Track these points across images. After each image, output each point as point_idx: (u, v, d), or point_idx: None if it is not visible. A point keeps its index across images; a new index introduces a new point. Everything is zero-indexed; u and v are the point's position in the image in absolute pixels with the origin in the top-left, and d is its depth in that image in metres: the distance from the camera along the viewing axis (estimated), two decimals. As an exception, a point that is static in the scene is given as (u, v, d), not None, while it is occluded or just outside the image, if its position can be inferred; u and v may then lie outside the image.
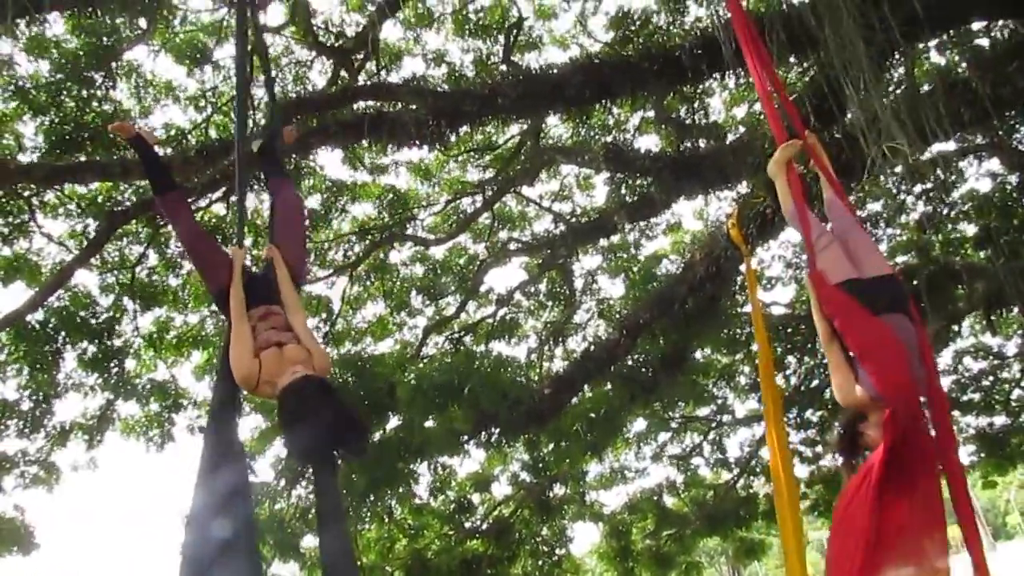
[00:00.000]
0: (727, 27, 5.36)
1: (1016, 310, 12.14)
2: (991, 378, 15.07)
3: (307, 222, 4.06)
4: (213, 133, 10.34)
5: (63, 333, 9.64)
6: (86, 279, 10.59)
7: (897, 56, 6.56)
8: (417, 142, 7.91)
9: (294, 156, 8.90)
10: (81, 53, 9.00)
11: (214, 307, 11.22)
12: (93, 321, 9.87)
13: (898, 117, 4.74)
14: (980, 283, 10.06)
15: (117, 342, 10.18)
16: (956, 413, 15.21)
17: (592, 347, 9.62)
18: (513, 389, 8.38)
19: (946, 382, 14.80)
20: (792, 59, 7.95)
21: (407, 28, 11.17)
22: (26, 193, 9.30)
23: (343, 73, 10.08)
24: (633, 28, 10.11)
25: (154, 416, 10.72)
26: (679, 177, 8.32)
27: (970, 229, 11.24)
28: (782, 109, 4.54)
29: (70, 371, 10.02)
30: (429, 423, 8.40)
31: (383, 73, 10.73)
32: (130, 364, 10.61)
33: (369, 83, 9.72)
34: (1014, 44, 6.02)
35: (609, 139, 10.69)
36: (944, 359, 14.30)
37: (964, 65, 6.55)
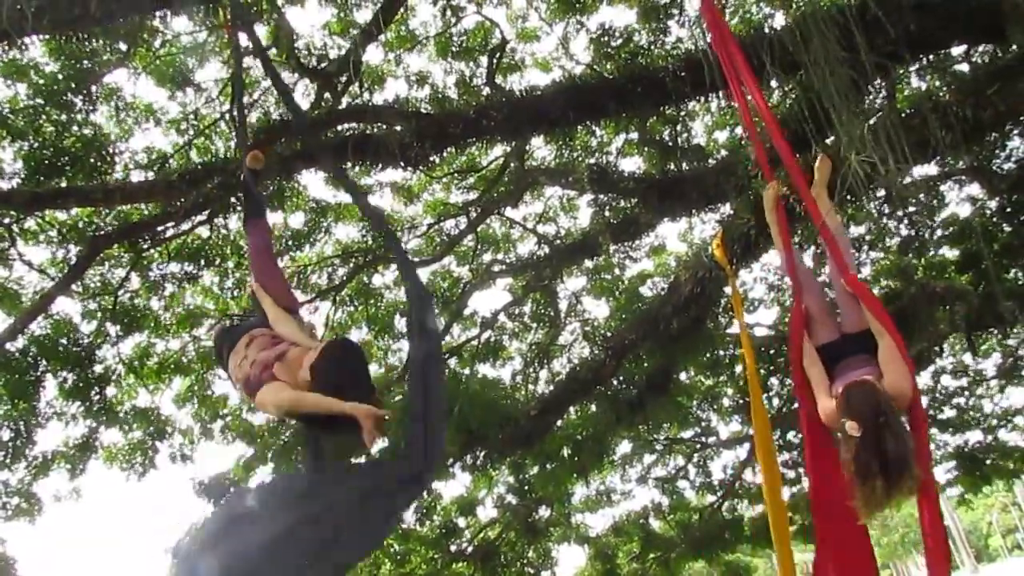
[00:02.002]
0: (711, 48, 5.40)
1: (996, 331, 12.27)
2: (967, 395, 15.20)
3: (277, 259, 4.02)
4: (195, 156, 10.29)
5: (44, 361, 9.51)
6: (67, 306, 10.48)
7: (878, 81, 6.63)
8: (402, 164, 7.89)
9: (277, 178, 8.84)
10: (60, 77, 8.94)
11: (196, 332, 11.18)
12: (75, 348, 9.73)
13: (880, 139, 4.77)
14: (961, 305, 10.13)
15: (98, 369, 10.04)
16: (934, 431, 15.33)
17: (578, 368, 9.59)
18: (503, 411, 8.32)
19: (924, 401, 14.92)
20: (773, 83, 8.04)
21: (389, 50, 11.20)
22: (6, 220, 9.18)
23: (326, 95, 10.08)
24: (614, 46, 10.17)
25: (137, 443, 10.57)
26: (663, 199, 8.34)
27: (952, 253, 11.33)
28: (765, 130, 4.57)
29: (51, 399, 9.88)
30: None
31: (366, 95, 10.73)
32: (111, 391, 10.47)
33: (353, 105, 9.71)
34: (995, 68, 6.09)
35: (593, 161, 10.71)
36: (923, 379, 14.42)
37: (944, 89, 6.62)
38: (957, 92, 5.80)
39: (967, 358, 14.58)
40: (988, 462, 15.58)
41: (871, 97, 7.68)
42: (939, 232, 11.47)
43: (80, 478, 10.34)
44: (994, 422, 15.38)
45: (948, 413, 15.18)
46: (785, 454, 13.68)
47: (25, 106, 9.01)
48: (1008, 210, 10.06)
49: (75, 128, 9.20)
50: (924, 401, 14.70)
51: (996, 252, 10.06)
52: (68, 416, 9.90)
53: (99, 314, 10.24)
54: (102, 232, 9.38)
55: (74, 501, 10.70)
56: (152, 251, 10.15)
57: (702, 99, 7.93)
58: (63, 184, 8.80)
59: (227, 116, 10.15)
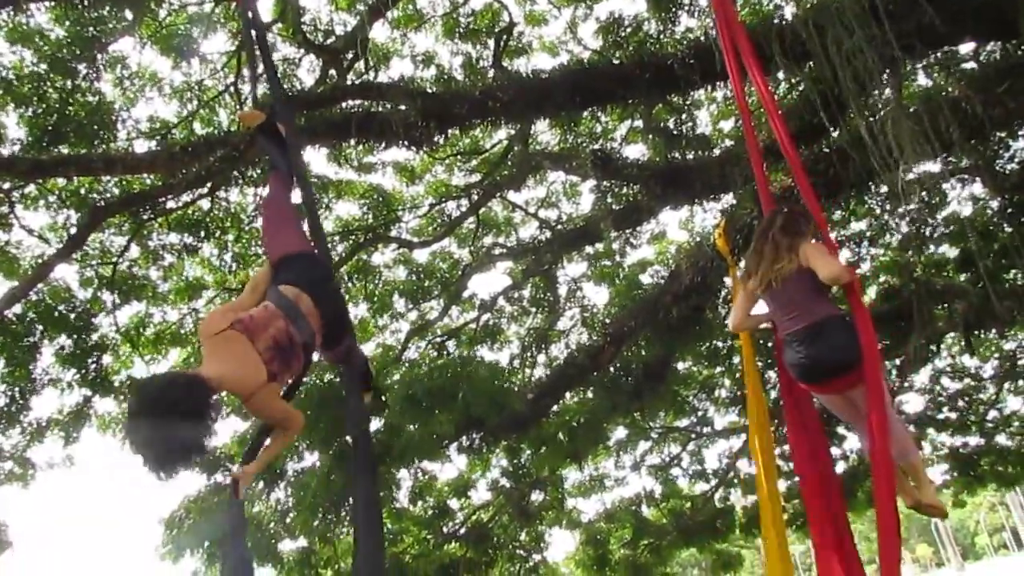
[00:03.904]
0: (718, 36, 5.37)
1: (995, 332, 12.29)
2: (966, 398, 15.22)
3: (266, 210, 3.94)
4: (198, 127, 10.25)
5: (40, 327, 9.49)
6: (65, 272, 10.45)
7: (886, 76, 6.60)
8: (405, 143, 7.85)
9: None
10: (65, 43, 8.89)
11: (193, 304, 11.18)
12: (72, 315, 9.72)
13: (893, 132, 4.76)
14: (961, 304, 10.12)
15: (95, 337, 10.03)
16: (931, 431, 15.39)
17: (576, 354, 9.58)
18: (503, 395, 8.32)
19: (922, 401, 15.00)
20: (780, 74, 8.00)
21: (396, 28, 11.14)
22: (6, 186, 9.14)
23: (332, 72, 10.03)
24: (623, 34, 10.11)
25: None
26: (666, 187, 8.30)
27: (952, 251, 11.32)
28: (769, 122, 4.57)
29: (47, 366, 9.84)
30: (412, 427, 8.34)
31: (371, 73, 10.68)
32: (107, 360, 10.45)
33: (359, 82, 9.66)
34: (1005, 65, 6.06)
35: (597, 147, 10.68)
36: (921, 378, 14.47)
37: (954, 85, 6.58)
38: (967, 88, 5.77)
39: (966, 360, 14.62)
40: (984, 465, 15.66)
41: (877, 93, 7.64)
42: (940, 230, 11.46)
43: (74, 445, 10.35)
44: (991, 426, 15.40)
45: (946, 415, 15.20)
46: (780, 447, 13.70)
47: (30, 72, 8.95)
48: (1010, 210, 10.04)
49: (79, 95, 9.16)
50: (922, 402, 14.83)
51: (996, 252, 10.04)
52: (64, 384, 9.87)
53: (97, 282, 10.23)
54: (103, 201, 9.35)
55: (67, 468, 10.69)
56: (153, 221, 10.12)
57: (710, 88, 7.90)
58: (65, 152, 8.77)
59: (231, 89, 10.11)
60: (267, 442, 3.31)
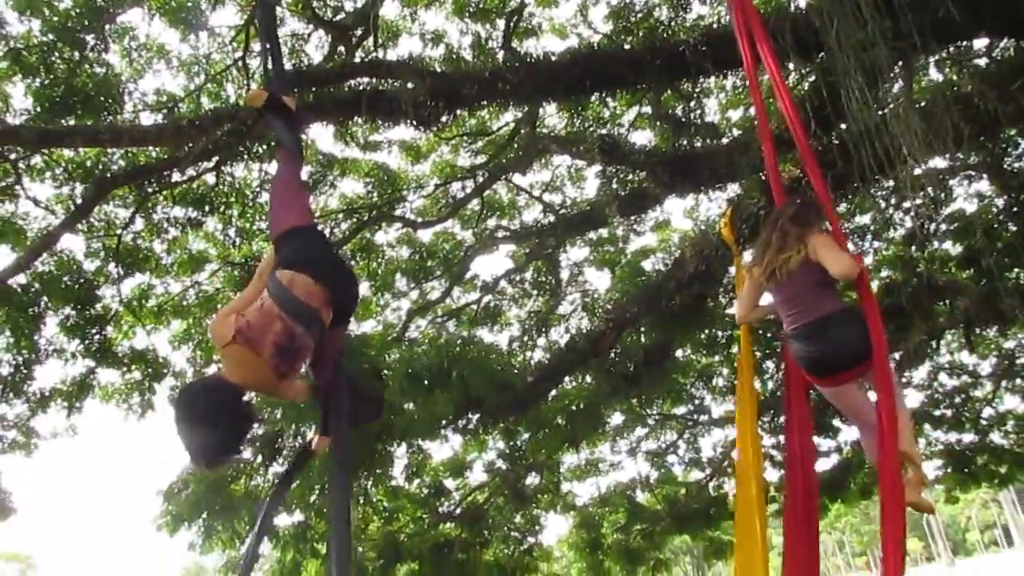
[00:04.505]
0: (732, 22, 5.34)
1: (995, 330, 12.31)
2: (963, 396, 15.28)
3: (272, 187, 3.92)
4: (206, 101, 10.22)
5: (45, 297, 9.51)
6: (71, 243, 10.48)
7: (898, 68, 6.57)
8: (413, 122, 7.82)
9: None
10: (74, 13, 8.84)
11: (196, 276, 11.20)
12: (76, 286, 9.73)
13: (902, 126, 4.75)
14: (962, 300, 10.14)
15: (98, 308, 10.05)
16: (926, 427, 15.45)
17: (576, 338, 9.60)
18: (502, 376, 8.34)
19: (920, 397, 15.05)
20: (791, 65, 7.96)
21: (405, 6, 11.09)
22: (12, 156, 9.13)
23: (340, 48, 10.00)
24: (634, 19, 10.08)
25: (135, 384, 10.61)
26: (673, 174, 8.27)
27: (956, 248, 11.32)
28: (781, 110, 4.55)
29: (51, 336, 9.89)
30: (410, 406, 8.38)
31: (380, 51, 10.64)
32: (110, 331, 10.48)
33: (368, 59, 9.63)
34: (1019, 63, 6.03)
35: (604, 132, 10.66)
36: (919, 374, 14.52)
37: (967, 80, 6.56)
38: (980, 84, 5.75)
39: (964, 357, 14.68)
40: (979, 463, 15.74)
41: (888, 86, 7.62)
42: (943, 227, 11.45)
43: (77, 416, 10.41)
44: (985, 423, 15.47)
45: (942, 411, 15.27)
46: (774, 437, 13.76)
47: (38, 42, 8.91)
48: (1015, 209, 10.04)
49: (87, 66, 9.13)
50: (921, 397, 14.87)
51: (999, 250, 10.05)
52: (67, 354, 9.91)
53: (102, 253, 10.24)
54: (109, 173, 9.34)
55: (70, 438, 10.77)
56: (158, 194, 10.12)
57: (721, 75, 7.86)
58: (72, 123, 8.74)
59: (239, 63, 10.07)
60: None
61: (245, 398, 3.00)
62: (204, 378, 3.69)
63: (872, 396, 3.89)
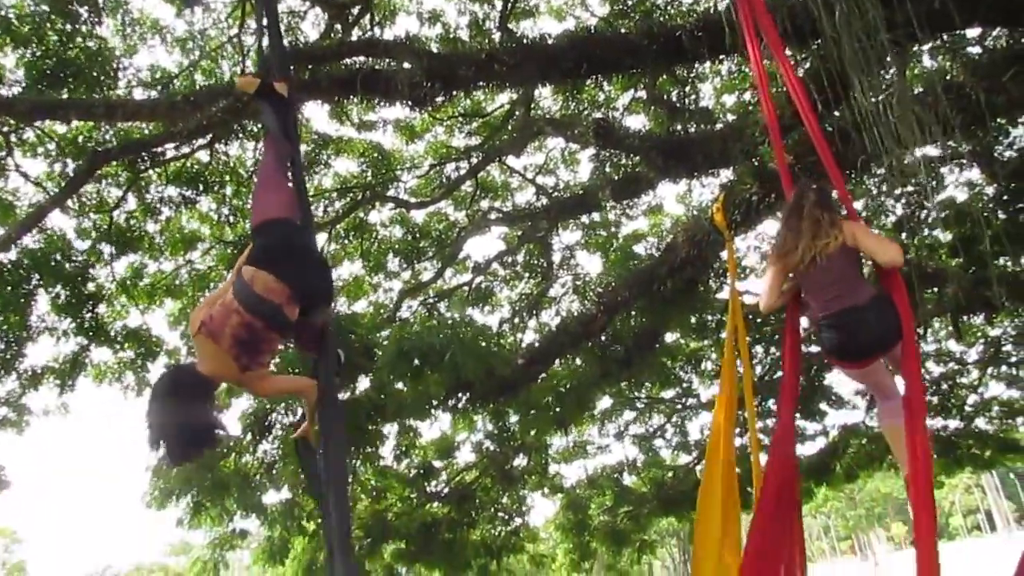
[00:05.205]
0: (734, 7, 5.35)
1: (982, 318, 12.41)
2: (949, 382, 15.41)
3: (257, 176, 3.93)
4: (200, 78, 10.17)
5: (36, 275, 9.47)
6: (62, 223, 10.43)
7: (890, 58, 6.60)
8: (409, 102, 7.81)
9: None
10: (66, -17, 8.78)
11: (189, 256, 11.18)
12: (68, 264, 9.69)
13: (897, 113, 4.78)
14: (951, 288, 10.21)
15: (91, 286, 10.02)
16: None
17: (568, 321, 9.64)
18: (493, 358, 8.38)
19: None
20: (788, 51, 7.96)
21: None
22: (4, 129, 9.07)
23: (337, 27, 9.95)
24: (631, 2, 10.06)
25: (128, 363, 10.60)
26: (667, 159, 8.30)
27: (946, 236, 11.38)
28: (789, 91, 4.57)
29: (42, 314, 9.86)
30: (401, 386, 8.41)
31: (377, 29, 10.60)
32: (103, 310, 10.45)
33: (364, 38, 9.59)
34: (1011, 53, 6.07)
35: (599, 115, 10.65)
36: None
37: (959, 70, 6.59)
38: (972, 74, 5.78)
39: (951, 345, 14.79)
40: (964, 448, 15.90)
41: (882, 74, 7.64)
42: (934, 214, 11.51)
43: (69, 394, 10.39)
44: (971, 410, 15.63)
45: (928, 398, 15.40)
46: (761, 421, 13.86)
47: (30, 12, 8.84)
48: (1005, 198, 10.09)
49: (79, 39, 9.06)
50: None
51: (989, 239, 10.11)
52: (59, 332, 9.89)
53: (94, 232, 10.20)
54: (101, 148, 9.29)
55: (62, 416, 10.75)
56: (150, 172, 10.07)
57: (717, 60, 7.87)
58: (65, 96, 8.69)
59: (234, 40, 10.02)
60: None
61: (214, 390, 3.18)
62: (178, 366, 3.80)
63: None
